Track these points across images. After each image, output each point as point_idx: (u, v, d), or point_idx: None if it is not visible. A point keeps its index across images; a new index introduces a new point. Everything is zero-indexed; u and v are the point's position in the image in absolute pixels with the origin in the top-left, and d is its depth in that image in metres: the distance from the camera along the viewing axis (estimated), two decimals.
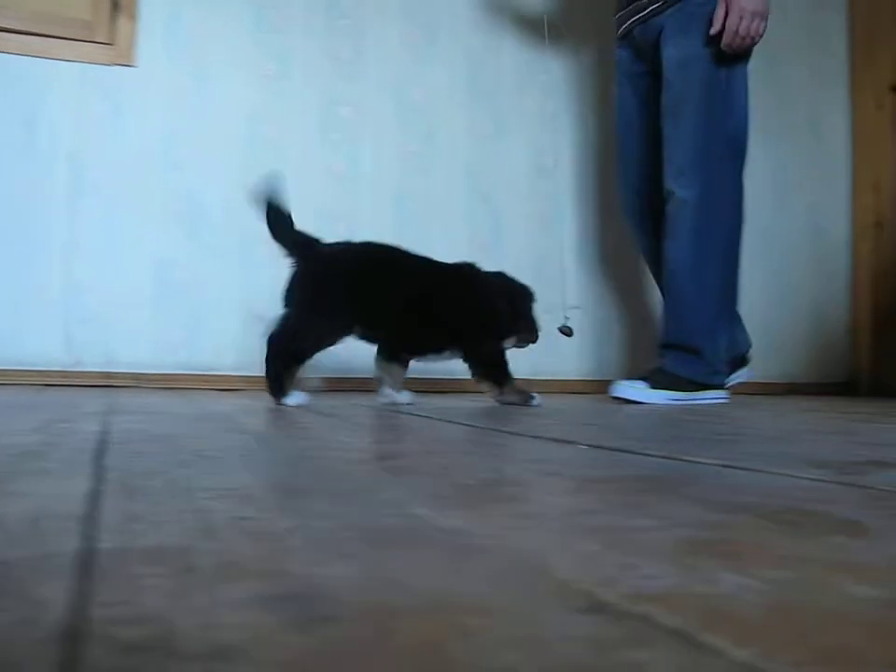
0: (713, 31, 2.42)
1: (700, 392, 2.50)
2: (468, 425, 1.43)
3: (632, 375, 2.63)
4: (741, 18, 2.39)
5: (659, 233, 2.63)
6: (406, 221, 3.14)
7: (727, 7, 2.40)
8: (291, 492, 0.65)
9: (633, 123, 2.76)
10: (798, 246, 3.85)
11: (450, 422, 1.48)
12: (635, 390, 2.43)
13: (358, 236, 3.04)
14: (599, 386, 3.20)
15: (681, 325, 2.54)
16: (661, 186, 2.59)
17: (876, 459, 0.91)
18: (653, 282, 2.95)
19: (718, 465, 0.85)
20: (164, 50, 2.94)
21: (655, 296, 3.29)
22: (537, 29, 3.28)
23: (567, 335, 2.66)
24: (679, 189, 2.50)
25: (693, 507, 0.59)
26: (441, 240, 3.16)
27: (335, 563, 0.42)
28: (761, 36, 2.44)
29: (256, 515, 0.54)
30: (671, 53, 2.53)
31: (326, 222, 3.01)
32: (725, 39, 2.41)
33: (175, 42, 2.96)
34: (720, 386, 2.56)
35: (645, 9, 2.61)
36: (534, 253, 3.30)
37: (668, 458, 0.91)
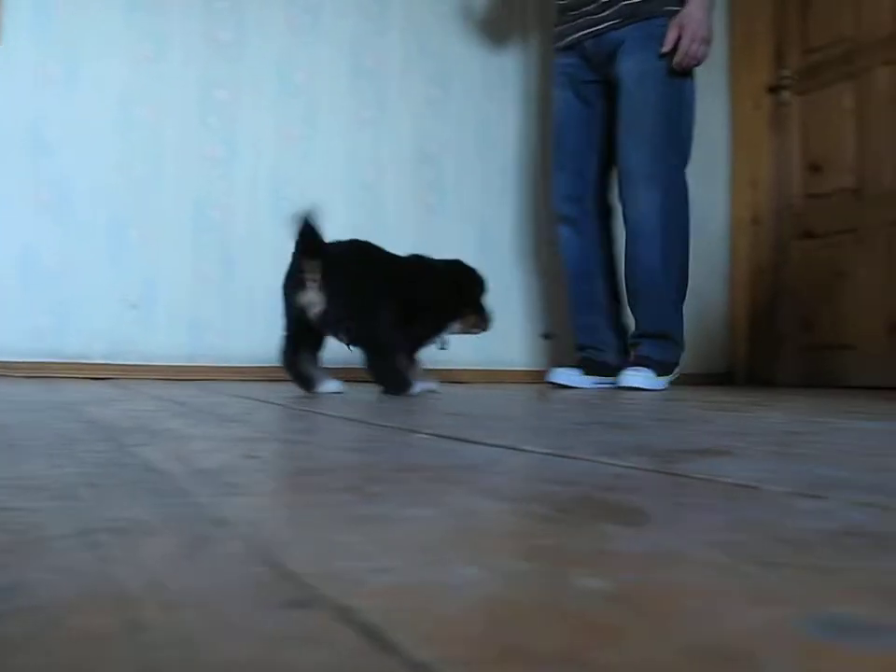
0: (664, 50, 2.71)
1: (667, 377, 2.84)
2: (321, 413, 1.40)
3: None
4: (692, 41, 2.69)
5: (591, 232, 2.98)
6: (284, 207, 3.09)
7: (680, 31, 2.69)
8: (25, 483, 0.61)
9: (575, 127, 2.96)
10: None
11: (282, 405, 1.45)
12: (568, 376, 2.86)
13: (234, 222, 3.01)
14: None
15: (654, 315, 2.85)
16: (600, 187, 2.97)
17: (707, 447, 0.91)
18: (546, 270, 3.00)
19: (546, 453, 0.84)
20: (31, 29, 2.84)
21: (545, 283, 3.31)
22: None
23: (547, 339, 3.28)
24: (645, 192, 2.76)
25: (482, 496, 0.57)
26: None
27: (46, 555, 0.38)
28: (705, 58, 2.77)
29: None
30: (631, 67, 2.77)
31: (203, 209, 2.94)
32: (677, 59, 2.70)
33: (42, 20, 2.85)
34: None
35: (600, 24, 2.83)
36: (416, 240, 3.27)
37: (499, 447, 0.89)
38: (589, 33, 2.85)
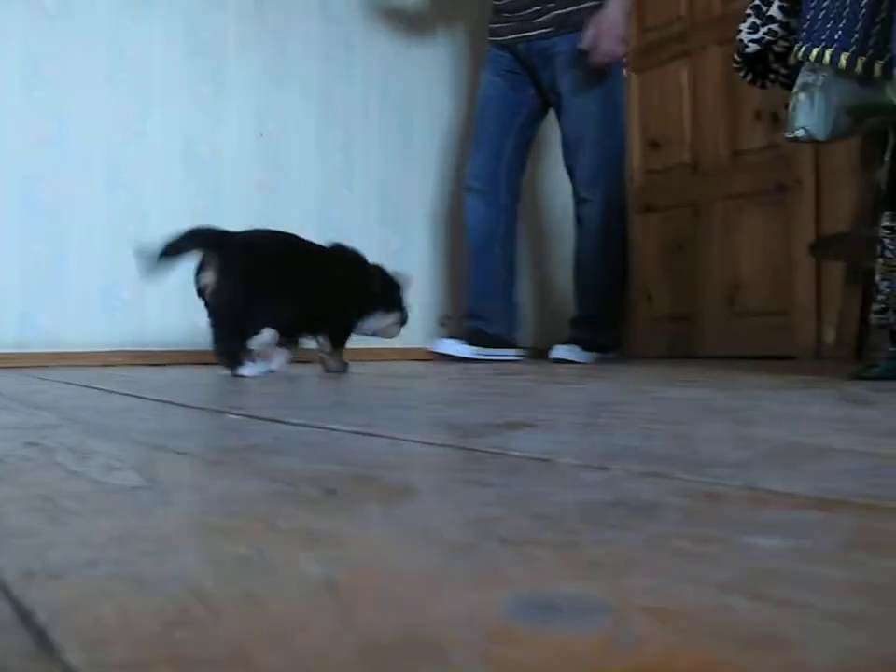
0: (583, 47, 2.85)
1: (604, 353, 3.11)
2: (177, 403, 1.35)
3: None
4: (609, 39, 2.84)
5: (498, 207, 3.14)
6: (119, 188, 2.97)
7: (599, 29, 2.82)
8: None
9: (500, 109, 3.10)
10: (526, 213, 3.94)
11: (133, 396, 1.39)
12: (453, 346, 3.05)
13: (67, 203, 2.89)
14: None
15: (592, 301, 3.11)
16: (514, 169, 3.16)
17: (517, 421, 0.90)
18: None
19: (348, 431, 0.82)
20: None
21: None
22: None
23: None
24: (591, 195, 3.02)
25: (254, 478, 0.55)
26: (157, 208, 3.02)
27: None
28: (620, 56, 2.98)
29: None
30: (569, 80, 2.96)
31: (33, 188, 2.81)
32: (595, 57, 2.85)
33: None
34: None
35: (532, 30, 2.99)
36: (254, 220, 3.20)
37: (305, 426, 0.87)
38: (522, 37, 3.01)
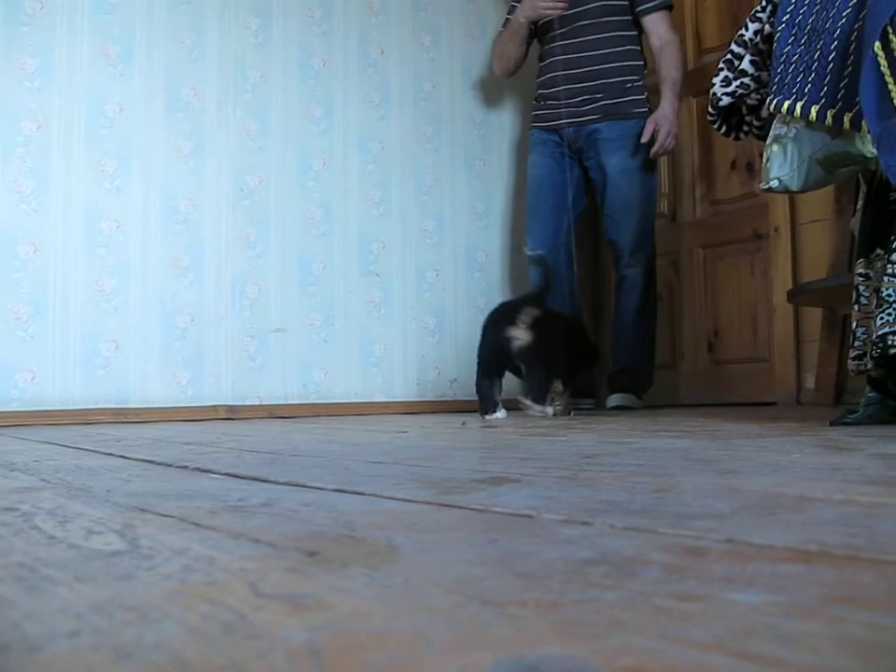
0: (644, 140, 3.22)
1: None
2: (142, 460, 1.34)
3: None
4: (667, 136, 3.21)
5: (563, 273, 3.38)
6: (98, 244, 2.98)
7: (657, 126, 3.20)
8: None
9: (553, 188, 3.42)
10: (503, 267, 3.96)
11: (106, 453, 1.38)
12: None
13: (46, 260, 2.88)
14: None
15: (639, 351, 3.37)
16: (569, 238, 3.40)
17: (499, 476, 0.90)
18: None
19: (332, 490, 0.81)
20: None
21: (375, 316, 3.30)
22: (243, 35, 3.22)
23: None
24: (633, 261, 3.33)
25: (234, 541, 0.54)
26: (136, 264, 3.02)
27: None
28: (674, 150, 3.38)
29: None
30: (615, 163, 3.32)
31: (12, 245, 2.81)
32: (655, 150, 3.23)
33: None
34: None
35: (582, 116, 3.35)
36: (236, 274, 3.21)
37: (288, 485, 0.87)
38: (570, 122, 3.36)
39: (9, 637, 0.34)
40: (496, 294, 3.86)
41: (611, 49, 3.31)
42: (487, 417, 2.59)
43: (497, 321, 2.62)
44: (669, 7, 3.30)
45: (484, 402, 2.63)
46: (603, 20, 3.29)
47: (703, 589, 0.40)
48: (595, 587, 0.40)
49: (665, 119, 3.22)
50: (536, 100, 3.52)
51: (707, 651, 0.30)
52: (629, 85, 3.34)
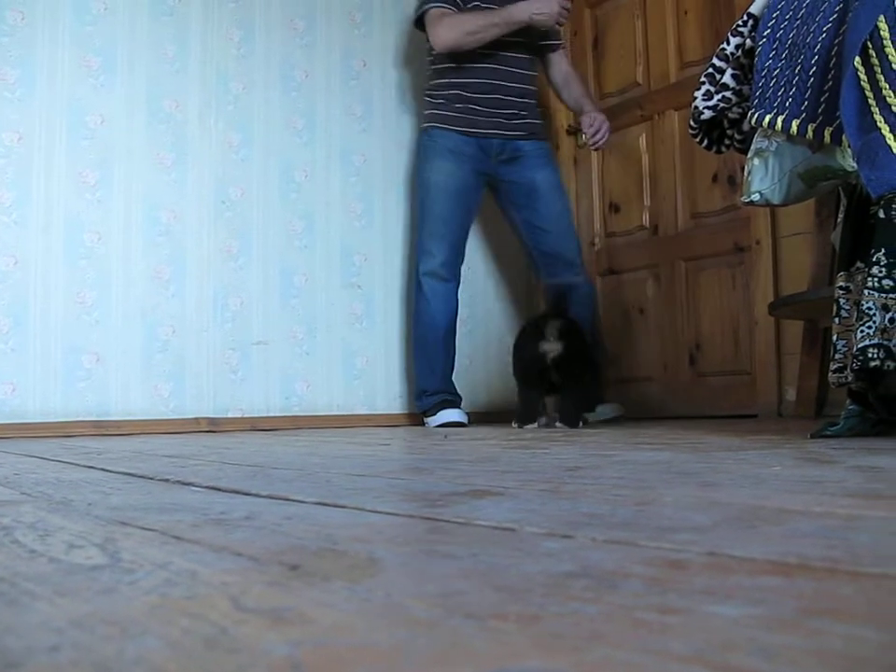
0: (592, 138, 3.43)
1: None
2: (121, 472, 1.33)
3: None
4: (607, 125, 3.42)
5: (456, 295, 3.40)
6: (79, 255, 2.96)
7: (595, 121, 3.41)
8: None
9: (463, 203, 3.40)
10: (486, 279, 3.96)
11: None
12: (457, 414, 3.33)
13: (27, 271, 2.86)
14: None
15: (596, 364, 3.24)
16: (462, 258, 3.42)
17: (482, 488, 0.90)
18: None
19: (314, 503, 0.81)
20: None
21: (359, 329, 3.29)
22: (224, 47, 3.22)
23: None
24: (581, 274, 3.40)
25: (215, 555, 0.54)
26: (118, 275, 3.01)
27: None
28: None
29: None
30: (544, 178, 3.44)
31: None
32: (599, 141, 3.44)
33: None
34: None
35: (511, 131, 3.40)
36: (217, 286, 3.20)
37: (269, 497, 0.86)
38: (499, 134, 3.39)
39: None
40: (478, 305, 3.86)
41: (531, 74, 3.49)
42: (527, 427, 2.81)
43: (529, 338, 2.86)
44: None
45: (526, 412, 2.87)
46: (525, 46, 3.43)
47: (683, 602, 0.40)
48: (576, 600, 0.40)
49: (600, 115, 3.45)
50: (446, 100, 3.42)
51: (688, 664, 0.30)
52: (539, 111, 3.59)
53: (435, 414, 3.30)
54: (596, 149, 3.58)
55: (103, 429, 2.88)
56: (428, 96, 3.48)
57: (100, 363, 2.95)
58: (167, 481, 1.11)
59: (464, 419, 3.30)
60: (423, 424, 3.40)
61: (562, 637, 0.34)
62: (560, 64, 3.61)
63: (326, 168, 3.53)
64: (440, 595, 0.42)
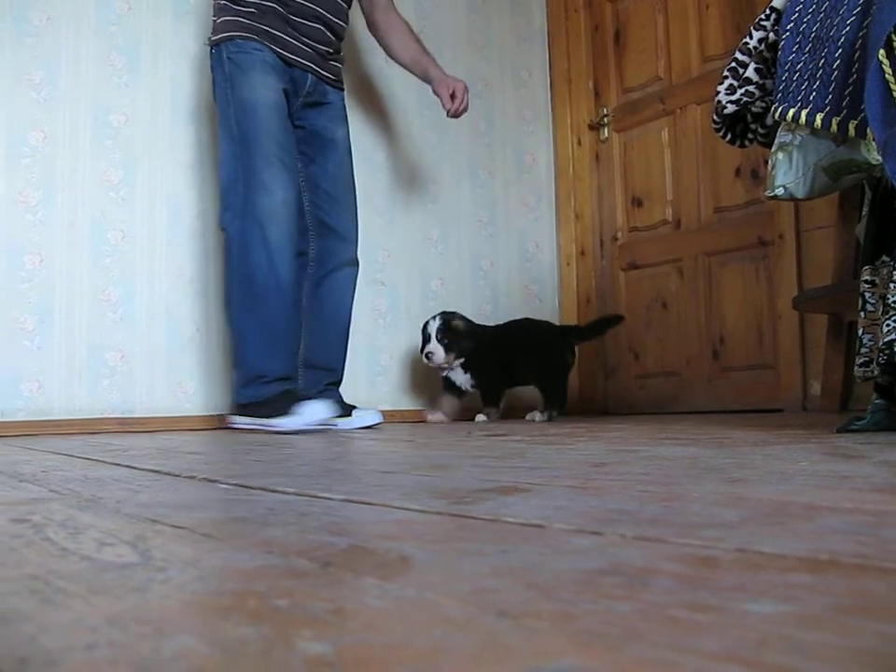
0: (455, 108, 3.06)
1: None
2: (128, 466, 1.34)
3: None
4: (465, 93, 3.06)
5: (297, 237, 2.79)
6: (104, 253, 2.98)
7: (452, 88, 3.04)
8: None
9: (286, 126, 2.81)
10: (509, 275, 3.96)
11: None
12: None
13: (52, 270, 2.88)
14: None
15: (342, 361, 2.99)
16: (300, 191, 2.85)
17: (509, 485, 0.90)
18: None
19: (341, 500, 0.82)
20: None
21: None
22: None
23: None
24: (353, 255, 2.99)
25: (248, 552, 0.55)
26: (142, 273, 3.03)
27: None
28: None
29: None
30: (344, 135, 3.00)
31: (17, 255, 2.81)
32: (457, 109, 3.08)
33: None
34: None
35: (324, 70, 2.93)
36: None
37: (297, 495, 0.87)
38: (315, 70, 2.90)
39: (27, 651, 0.34)
40: (501, 302, 3.86)
41: (347, 12, 3.01)
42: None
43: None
44: None
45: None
46: None
47: (715, 599, 0.40)
48: (608, 598, 0.40)
49: (455, 80, 3.08)
50: (258, 11, 2.77)
51: (723, 662, 0.30)
52: (343, 56, 3.09)
53: (288, 412, 2.52)
54: (456, 116, 3.13)
55: (127, 426, 2.90)
56: (229, 0, 2.79)
57: (124, 360, 2.97)
58: (194, 478, 1.12)
59: (336, 412, 2.66)
60: (232, 424, 2.81)
61: (597, 635, 0.34)
62: (387, 10, 3.14)
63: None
64: (472, 592, 0.42)
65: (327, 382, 2.93)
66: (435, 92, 3.10)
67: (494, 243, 3.93)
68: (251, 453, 1.67)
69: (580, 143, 4.13)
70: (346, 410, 2.80)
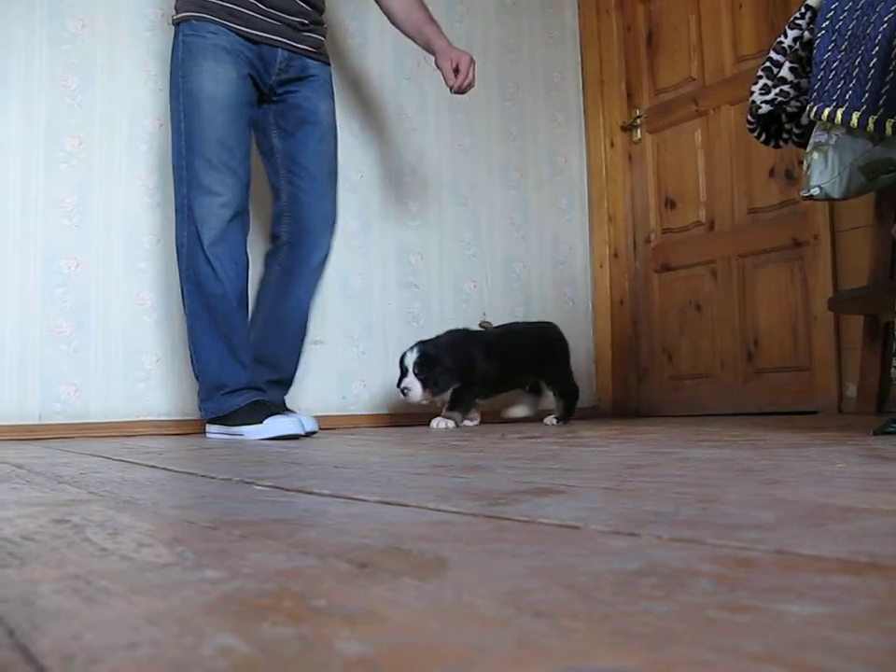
0: (457, 84, 2.73)
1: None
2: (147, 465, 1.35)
3: None
4: (471, 66, 2.73)
5: (241, 242, 2.58)
6: (138, 257, 3.00)
7: (455, 61, 2.71)
8: None
9: (246, 116, 2.61)
10: (542, 277, 3.96)
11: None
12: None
13: (87, 275, 2.91)
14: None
15: (298, 358, 2.78)
16: (248, 189, 2.60)
17: (544, 487, 0.90)
18: None
19: (376, 501, 0.82)
20: None
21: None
22: None
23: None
24: (325, 247, 2.75)
25: (286, 553, 0.55)
26: (175, 276, 3.05)
27: None
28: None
29: None
30: (327, 110, 2.75)
31: (53, 261, 2.84)
32: (460, 83, 2.73)
33: None
34: None
35: (299, 43, 2.66)
36: None
37: (332, 496, 0.87)
38: (286, 44, 2.64)
39: (71, 648, 0.35)
40: (534, 305, 3.85)
41: None
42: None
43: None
44: None
45: None
46: None
47: (754, 601, 0.40)
48: (646, 599, 0.40)
49: (460, 52, 2.75)
50: None
51: (764, 664, 0.30)
52: (325, 28, 2.83)
53: (258, 422, 2.41)
54: (461, 92, 2.79)
55: (162, 429, 2.92)
56: None
57: (159, 364, 2.99)
58: (229, 480, 1.12)
59: (304, 428, 2.43)
60: (206, 433, 2.64)
61: (634, 635, 0.34)
62: None
63: (381, 167, 3.54)
64: (508, 593, 0.42)
65: (268, 378, 2.67)
66: (437, 66, 2.78)
67: (526, 245, 3.92)
68: (286, 455, 1.68)
69: (612, 144, 4.12)
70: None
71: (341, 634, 0.35)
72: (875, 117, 1.58)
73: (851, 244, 3.17)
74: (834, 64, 1.65)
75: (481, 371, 2.99)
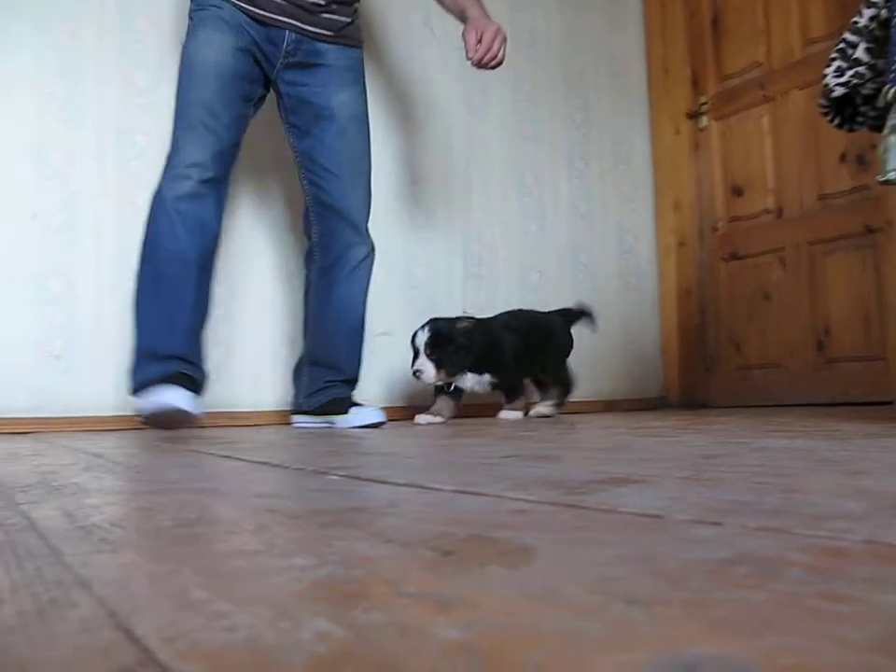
0: (475, 57, 2.49)
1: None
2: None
3: None
4: (496, 39, 2.49)
5: (216, 221, 2.44)
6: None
7: (480, 31, 2.48)
8: None
9: (240, 88, 2.48)
10: (608, 267, 3.93)
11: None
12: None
13: None
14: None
15: (358, 358, 2.72)
16: (232, 159, 2.47)
17: (622, 476, 0.90)
18: None
19: (452, 490, 0.82)
20: None
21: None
22: None
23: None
24: (363, 244, 2.65)
25: (370, 541, 0.55)
26: (245, 271, 3.08)
27: None
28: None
29: None
30: (345, 101, 2.58)
31: (121, 255, 2.89)
32: (480, 56, 2.49)
33: None
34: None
35: (310, 26, 2.52)
36: None
37: (407, 486, 0.88)
38: (296, 27, 2.51)
39: (171, 632, 0.35)
40: (600, 295, 3.83)
41: None
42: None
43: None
44: None
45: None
46: None
47: (850, 590, 0.39)
48: (740, 587, 0.40)
49: (489, 23, 2.52)
50: None
51: (868, 653, 0.29)
52: (357, 5, 2.66)
53: (146, 390, 2.24)
54: (485, 67, 2.55)
55: (234, 420, 2.96)
56: None
57: (229, 356, 3.03)
58: (303, 470, 1.13)
59: (188, 407, 2.21)
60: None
61: (732, 623, 0.34)
62: None
63: (446, 160, 3.54)
64: (597, 580, 0.42)
65: (326, 379, 2.67)
66: (462, 36, 2.55)
67: (591, 234, 3.90)
68: (358, 445, 1.69)
69: (677, 132, 4.08)
70: (345, 408, 2.59)
71: (436, 620, 0.36)
72: None
73: None
74: None
75: (512, 352, 2.91)
